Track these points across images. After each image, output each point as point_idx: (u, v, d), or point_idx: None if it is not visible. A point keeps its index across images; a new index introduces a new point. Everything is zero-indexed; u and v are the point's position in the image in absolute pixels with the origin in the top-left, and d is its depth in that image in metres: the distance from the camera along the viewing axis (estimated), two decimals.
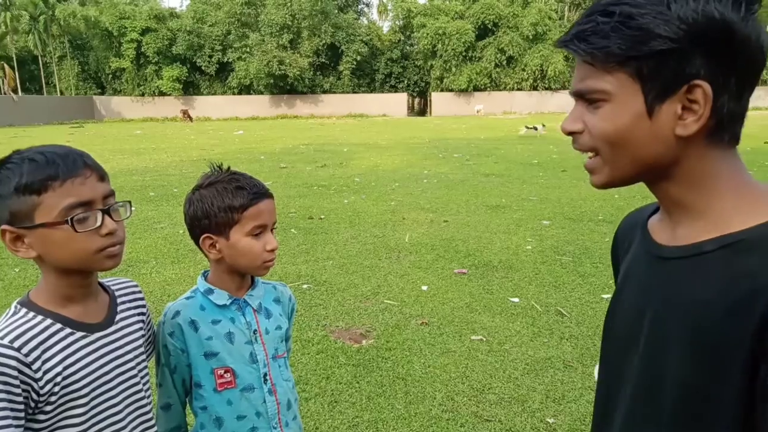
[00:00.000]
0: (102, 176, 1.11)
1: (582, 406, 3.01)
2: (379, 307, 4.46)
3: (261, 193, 1.38)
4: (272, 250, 1.38)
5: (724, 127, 0.73)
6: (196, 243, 1.41)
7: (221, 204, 1.35)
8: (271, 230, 1.41)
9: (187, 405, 1.50)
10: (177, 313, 1.40)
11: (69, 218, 1.04)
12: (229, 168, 1.44)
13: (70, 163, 1.06)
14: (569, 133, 0.82)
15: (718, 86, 0.70)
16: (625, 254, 0.94)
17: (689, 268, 0.76)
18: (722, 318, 0.70)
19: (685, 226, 0.79)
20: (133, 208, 1.21)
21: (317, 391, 3.23)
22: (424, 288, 4.86)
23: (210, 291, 1.42)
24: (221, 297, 1.42)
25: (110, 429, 1.16)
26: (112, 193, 1.12)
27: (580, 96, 0.79)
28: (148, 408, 1.26)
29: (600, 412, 0.96)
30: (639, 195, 8.40)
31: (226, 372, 1.40)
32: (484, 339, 3.87)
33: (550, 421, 2.91)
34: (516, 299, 4.56)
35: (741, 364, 0.68)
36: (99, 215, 1.08)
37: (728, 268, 0.71)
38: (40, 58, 47.32)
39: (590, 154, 0.82)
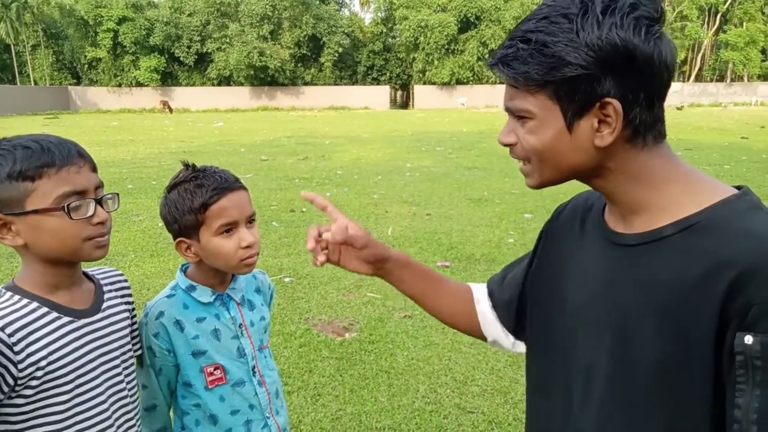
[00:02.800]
0: (94, 167, 1.12)
1: None
2: (362, 300, 4.45)
3: (223, 188, 1.29)
4: (248, 246, 1.30)
5: (641, 133, 0.81)
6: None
7: (183, 206, 1.29)
8: (249, 223, 1.34)
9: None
10: (161, 313, 1.35)
11: (65, 205, 1.04)
12: (193, 165, 1.36)
13: (65, 152, 1.06)
14: (505, 145, 0.89)
15: (627, 102, 0.77)
16: (571, 234, 0.99)
17: (652, 252, 0.82)
18: (687, 293, 0.76)
19: (638, 216, 0.85)
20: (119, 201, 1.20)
21: (300, 384, 3.21)
22: None
23: (192, 288, 1.38)
24: (204, 294, 1.37)
25: (94, 420, 1.14)
26: (102, 185, 1.13)
27: (510, 112, 0.86)
28: (127, 401, 1.23)
29: (538, 399, 1.02)
30: None
31: (216, 369, 1.37)
32: None
33: None
34: None
35: (709, 333, 0.74)
36: (92, 204, 1.09)
37: (689, 248, 0.78)
38: (12, 46, 46.21)
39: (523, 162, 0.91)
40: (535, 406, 1.04)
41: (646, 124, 0.80)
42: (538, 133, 0.82)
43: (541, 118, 0.81)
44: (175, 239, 1.35)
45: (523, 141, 0.85)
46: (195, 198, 1.28)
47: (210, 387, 1.37)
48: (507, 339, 1.15)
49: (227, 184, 1.31)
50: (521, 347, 1.13)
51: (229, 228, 1.30)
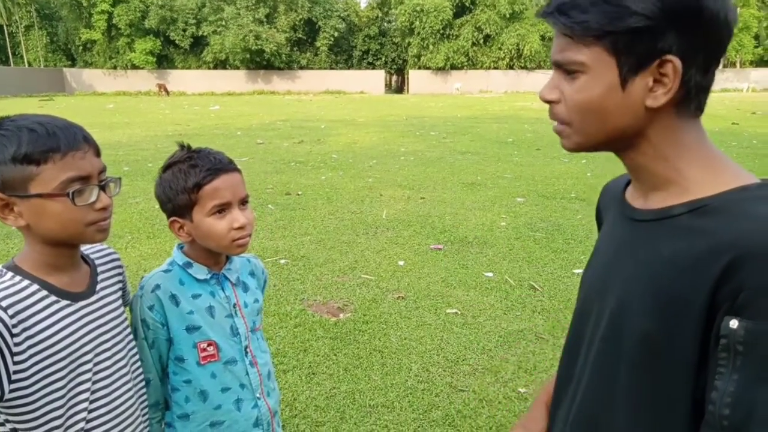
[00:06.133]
0: (98, 151, 1.12)
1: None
2: (357, 281, 4.51)
3: (216, 168, 1.30)
4: (240, 228, 1.31)
5: (691, 98, 0.79)
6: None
7: (177, 186, 1.30)
8: (242, 205, 1.35)
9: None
10: (157, 286, 1.35)
11: (69, 191, 1.04)
12: (188, 146, 1.36)
13: (71, 137, 1.06)
14: (547, 101, 0.85)
15: (687, 61, 0.75)
16: (606, 215, 1.02)
17: (658, 229, 0.82)
18: (684, 273, 0.76)
19: (656, 193, 0.85)
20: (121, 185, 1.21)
21: (295, 363, 3.27)
22: (401, 263, 4.92)
23: (189, 264, 1.39)
24: (201, 271, 1.39)
25: (101, 402, 1.17)
26: (105, 169, 1.13)
27: (558, 66, 0.82)
28: (128, 378, 1.25)
29: (566, 358, 1.03)
30: (610, 174, 8.54)
31: (209, 345, 1.38)
32: (459, 312, 3.95)
33: (522, 390, 3.01)
34: (490, 274, 4.65)
35: (698, 315, 0.74)
36: (95, 190, 1.09)
37: (694, 228, 0.77)
38: (5, 27, 45.62)
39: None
40: (560, 366, 1.07)
41: (697, 89, 0.78)
42: (587, 89, 0.79)
43: (594, 72, 0.77)
44: (168, 218, 1.36)
45: (569, 97, 0.81)
46: (189, 178, 1.29)
47: (202, 363, 1.37)
48: None
49: (221, 165, 1.32)
50: None
51: (222, 209, 1.30)
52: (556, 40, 0.81)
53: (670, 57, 0.74)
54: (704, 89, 0.79)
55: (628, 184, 0.96)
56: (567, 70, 0.80)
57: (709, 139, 0.84)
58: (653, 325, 0.79)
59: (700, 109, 0.81)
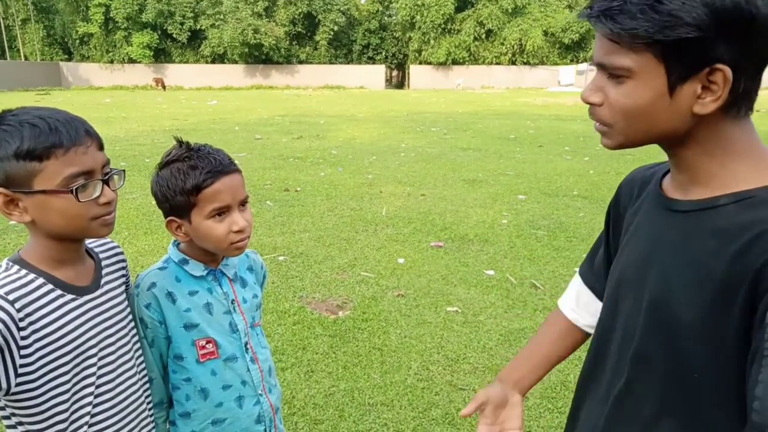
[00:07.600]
0: (101, 145, 1.12)
1: (553, 375, 3.08)
2: (356, 279, 4.47)
3: (217, 171, 1.26)
4: (240, 231, 1.29)
5: (738, 103, 0.78)
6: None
7: (175, 187, 1.26)
8: (242, 206, 1.32)
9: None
10: (153, 284, 1.34)
11: (72, 187, 1.04)
12: (187, 143, 1.32)
13: (73, 132, 1.05)
14: (589, 103, 0.85)
15: (737, 69, 0.74)
16: (631, 206, 1.00)
17: (702, 220, 0.81)
18: (729, 262, 0.75)
19: (697, 186, 0.84)
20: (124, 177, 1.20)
21: (293, 361, 3.24)
22: (401, 260, 4.88)
23: (185, 261, 1.37)
24: (197, 268, 1.37)
25: (105, 397, 1.17)
26: (108, 162, 1.13)
27: (602, 67, 0.81)
28: (133, 371, 1.25)
29: (595, 350, 1.03)
30: (613, 171, 8.54)
31: (208, 343, 1.36)
32: (460, 310, 3.92)
33: None
34: (491, 272, 4.62)
35: (742, 303, 0.73)
36: (99, 185, 1.09)
37: (738, 219, 0.77)
38: (1, 20, 45.43)
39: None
40: (588, 357, 1.07)
41: (745, 94, 0.77)
42: (634, 94, 0.78)
43: (642, 78, 0.77)
44: (165, 217, 1.33)
45: (614, 101, 0.80)
46: (188, 179, 1.25)
47: (201, 360, 1.36)
48: None
49: (221, 167, 1.27)
50: None
51: (221, 212, 1.28)
52: (600, 42, 0.80)
53: (720, 66, 0.73)
54: (753, 92, 0.79)
55: (663, 176, 0.95)
56: (612, 73, 0.80)
57: (759, 137, 0.82)
58: (698, 315, 0.78)
59: (750, 109, 0.81)
